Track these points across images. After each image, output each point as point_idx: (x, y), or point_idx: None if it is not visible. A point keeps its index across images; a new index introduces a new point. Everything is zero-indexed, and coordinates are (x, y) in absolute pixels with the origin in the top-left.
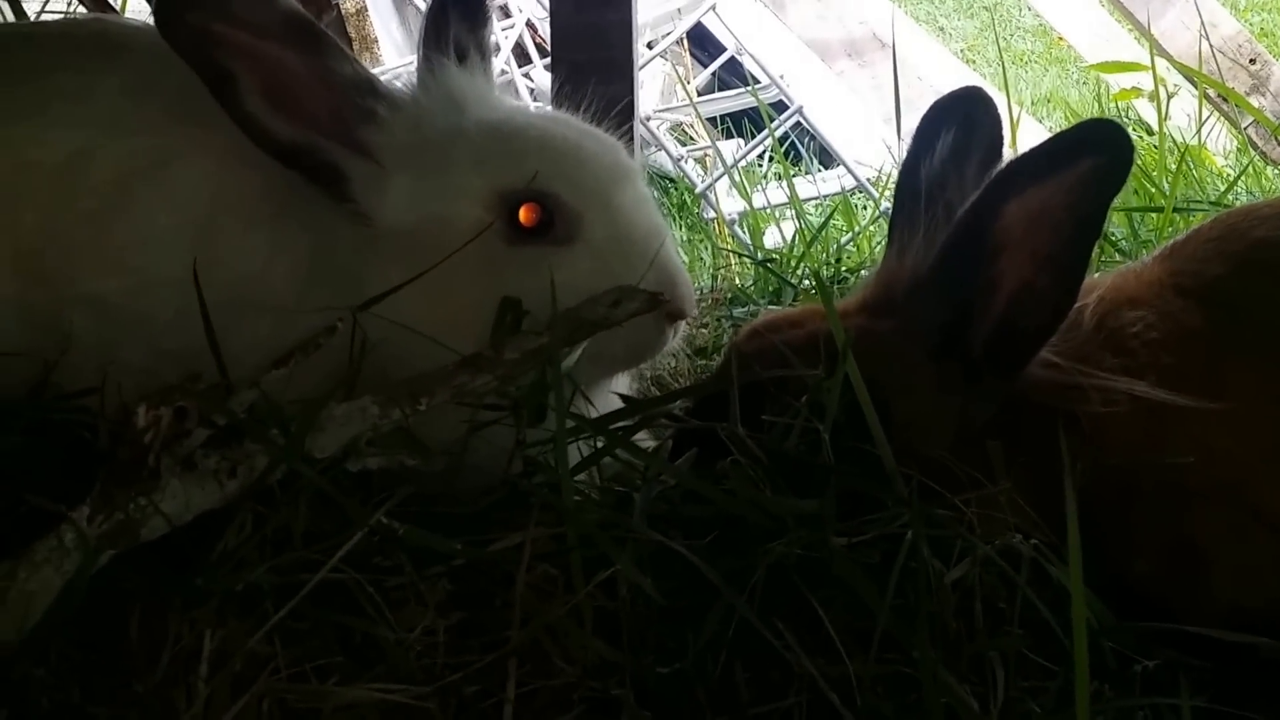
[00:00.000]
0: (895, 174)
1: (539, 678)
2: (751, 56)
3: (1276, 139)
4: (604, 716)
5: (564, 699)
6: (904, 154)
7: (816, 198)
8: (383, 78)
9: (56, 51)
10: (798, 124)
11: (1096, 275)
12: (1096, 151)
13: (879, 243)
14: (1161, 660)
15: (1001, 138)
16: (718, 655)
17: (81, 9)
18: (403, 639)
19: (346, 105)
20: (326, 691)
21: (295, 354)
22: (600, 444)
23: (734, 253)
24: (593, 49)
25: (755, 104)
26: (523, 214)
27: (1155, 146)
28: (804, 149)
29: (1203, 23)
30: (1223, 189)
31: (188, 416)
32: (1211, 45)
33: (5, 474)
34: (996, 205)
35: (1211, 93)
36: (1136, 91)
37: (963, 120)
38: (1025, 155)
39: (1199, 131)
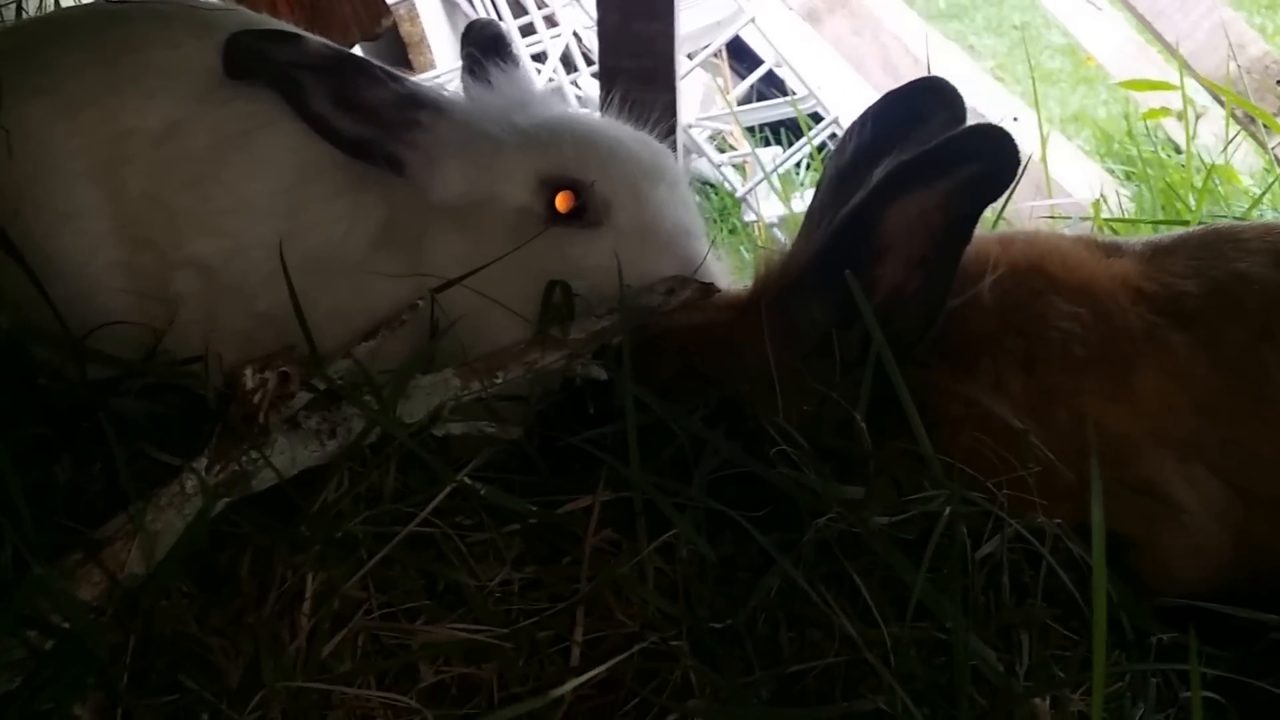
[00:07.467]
0: None
1: (604, 626)
2: (790, 69)
3: None
4: (660, 665)
5: (625, 648)
6: None
7: None
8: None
9: (148, 30)
10: (833, 135)
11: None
12: (979, 159)
13: None
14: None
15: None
16: (765, 616)
17: None
18: (484, 586)
19: (390, 120)
20: (414, 630)
21: (382, 328)
22: None
23: None
24: (637, 57)
25: (792, 114)
26: (559, 200)
27: (1183, 165)
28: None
29: (1230, 44)
30: (1248, 206)
31: (290, 380)
32: (1239, 66)
33: (127, 430)
34: (880, 209)
35: (1239, 113)
36: (1165, 111)
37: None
38: (909, 160)
39: (1225, 150)
